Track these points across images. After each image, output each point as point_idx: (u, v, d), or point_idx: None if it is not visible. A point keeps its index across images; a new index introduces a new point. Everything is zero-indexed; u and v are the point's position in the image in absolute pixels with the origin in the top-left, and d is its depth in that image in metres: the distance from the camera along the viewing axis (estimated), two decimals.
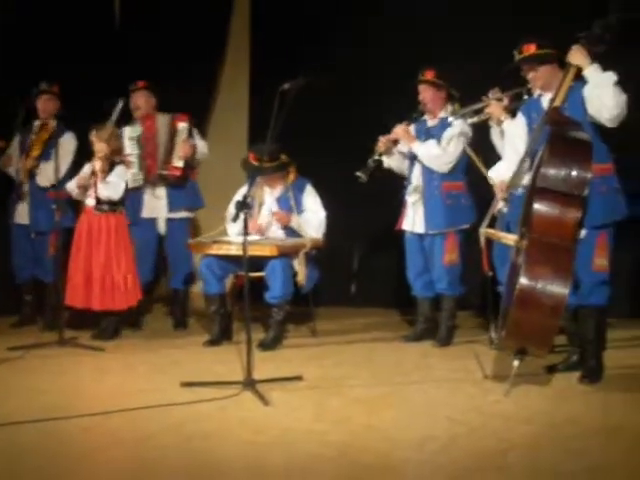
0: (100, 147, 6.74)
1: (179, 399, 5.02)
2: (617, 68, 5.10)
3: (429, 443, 4.27)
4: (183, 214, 7.47)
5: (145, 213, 7.35)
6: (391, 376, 5.68)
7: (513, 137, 5.73)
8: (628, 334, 6.57)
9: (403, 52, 7.54)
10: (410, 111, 6.67)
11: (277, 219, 6.88)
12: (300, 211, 6.88)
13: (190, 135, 7.32)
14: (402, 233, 6.78)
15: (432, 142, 6.55)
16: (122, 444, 4.40)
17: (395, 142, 6.76)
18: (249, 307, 5.30)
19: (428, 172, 6.58)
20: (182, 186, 7.37)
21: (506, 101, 6.11)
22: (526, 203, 5.14)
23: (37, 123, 7.50)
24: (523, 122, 5.65)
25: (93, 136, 6.80)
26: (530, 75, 5.53)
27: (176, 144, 7.28)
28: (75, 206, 7.16)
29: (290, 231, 6.89)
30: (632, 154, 6.16)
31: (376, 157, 6.69)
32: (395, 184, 6.89)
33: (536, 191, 4.84)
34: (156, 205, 7.37)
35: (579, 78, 5.18)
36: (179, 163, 7.24)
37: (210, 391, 5.15)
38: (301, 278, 6.61)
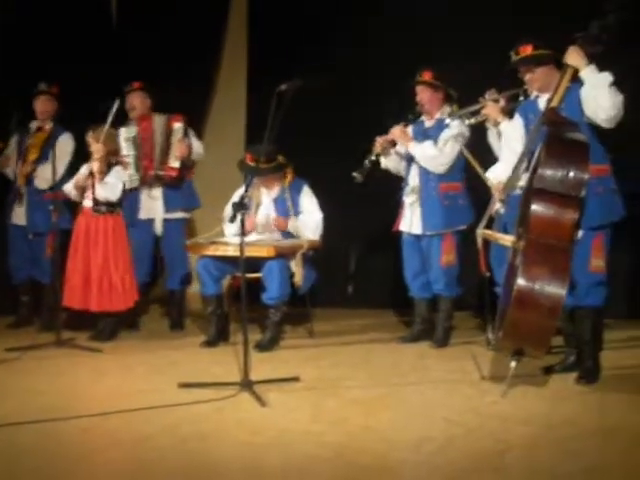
0: (97, 148, 6.74)
1: (176, 400, 5.02)
2: (614, 69, 5.10)
3: (426, 444, 4.27)
4: (179, 214, 7.47)
5: (142, 214, 7.35)
6: (388, 377, 5.68)
7: (510, 138, 5.73)
8: (625, 335, 6.57)
9: (403, 52, 7.53)
10: (407, 112, 6.67)
11: (275, 226, 6.88)
12: (297, 212, 6.88)
13: (185, 135, 7.32)
14: (399, 234, 6.78)
15: (428, 143, 6.55)
16: (120, 445, 4.40)
17: (392, 143, 6.77)
18: (246, 308, 5.30)
19: (425, 173, 6.58)
20: (178, 186, 7.37)
21: (503, 102, 6.10)
22: (523, 204, 5.14)
23: (34, 125, 7.49)
24: (520, 123, 5.66)
25: (89, 137, 6.80)
26: (527, 76, 5.54)
27: (172, 144, 7.27)
28: (72, 207, 7.16)
29: (287, 233, 6.89)
30: (629, 155, 6.16)
31: (373, 158, 6.70)
32: (392, 185, 6.89)
33: (533, 192, 4.84)
34: (152, 206, 7.37)
35: (576, 79, 5.18)
36: (175, 163, 7.24)
37: (207, 392, 5.15)
38: (298, 279, 6.61)
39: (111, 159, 6.87)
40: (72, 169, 7.20)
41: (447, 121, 6.48)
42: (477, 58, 7.01)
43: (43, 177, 7.29)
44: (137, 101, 7.37)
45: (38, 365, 6.07)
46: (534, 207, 4.81)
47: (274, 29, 8.53)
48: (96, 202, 6.76)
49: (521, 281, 4.72)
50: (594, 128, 5.18)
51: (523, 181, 5.46)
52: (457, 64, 6.88)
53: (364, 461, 4.08)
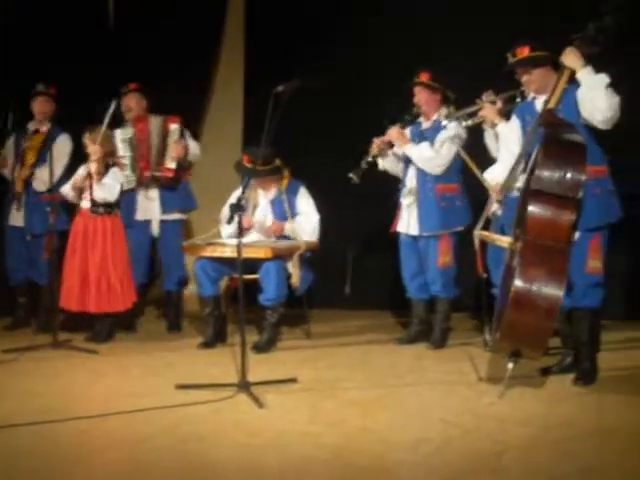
0: (93, 149, 6.74)
1: (174, 401, 5.02)
2: (611, 70, 5.10)
3: (423, 445, 4.27)
4: (176, 216, 7.46)
5: (139, 215, 7.34)
6: (385, 378, 5.68)
7: (507, 140, 5.73)
8: (622, 336, 6.57)
9: (403, 52, 7.51)
10: (405, 113, 6.67)
11: (272, 232, 6.88)
12: (294, 214, 6.87)
13: (182, 136, 7.31)
14: (397, 235, 6.78)
15: (425, 144, 6.55)
16: (118, 446, 4.41)
17: (390, 144, 6.77)
18: (243, 309, 5.30)
19: (422, 174, 6.58)
20: (175, 188, 7.36)
21: (500, 104, 6.10)
22: (520, 205, 5.14)
23: (31, 127, 7.48)
24: (517, 125, 5.66)
25: (86, 139, 6.80)
26: (524, 78, 5.54)
27: (168, 145, 7.27)
28: (69, 209, 7.15)
29: (284, 235, 6.89)
30: (627, 156, 6.16)
31: (369, 159, 6.70)
32: (389, 186, 6.89)
33: (530, 193, 4.84)
34: (149, 207, 7.37)
35: (573, 80, 5.19)
36: (172, 164, 7.24)
37: (205, 393, 5.16)
38: (295, 280, 6.61)
39: (108, 160, 6.87)
40: (70, 170, 7.20)
41: (444, 123, 6.47)
42: (477, 58, 7.00)
43: (41, 179, 7.28)
44: (133, 102, 7.36)
45: (35, 366, 6.06)
46: (531, 208, 4.81)
47: (271, 29, 8.50)
48: (94, 203, 6.76)
49: (518, 282, 4.72)
50: (591, 129, 5.19)
51: (520, 182, 5.46)
52: (457, 64, 6.89)
53: (362, 462, 4.09)
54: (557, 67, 5.30)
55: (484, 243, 5.70)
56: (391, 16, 7.85)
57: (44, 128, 7.43)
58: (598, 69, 5.11)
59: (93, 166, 6.73)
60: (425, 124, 6.70)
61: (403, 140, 6.65)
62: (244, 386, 5.15)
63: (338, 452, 4.20)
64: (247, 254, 5.93)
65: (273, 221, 6.90)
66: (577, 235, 5.03)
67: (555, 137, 4.91)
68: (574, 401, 5.00)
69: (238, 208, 5.32)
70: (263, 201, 6.98)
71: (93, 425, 4.69)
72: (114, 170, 6.86)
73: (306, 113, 7.43)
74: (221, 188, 7.37)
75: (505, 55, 5.61)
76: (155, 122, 7.35)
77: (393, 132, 6.67)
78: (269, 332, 6.63)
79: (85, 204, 6.81)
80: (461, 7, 7.51)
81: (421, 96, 6.59)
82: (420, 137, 6.63)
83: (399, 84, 6.66)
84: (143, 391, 5.37)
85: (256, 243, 6.64)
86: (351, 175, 6.61)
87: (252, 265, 6.42)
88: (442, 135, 6.50)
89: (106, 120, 6.69)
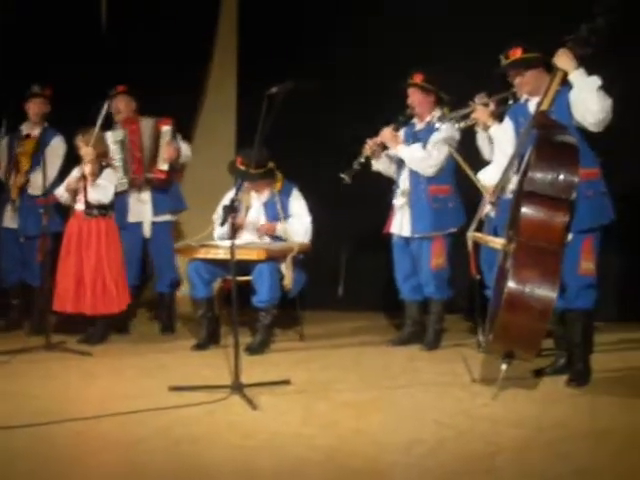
0: (86, 151, 6.73)
1: (167, 403, 5.01)
2: (603, 72, 5.11)
3: (417, 447, 4.27)
4: (167, 217, 7.47)
5: (131, 217, 7.33)
6: (379, 380, 5.68)
7: (501, 141, 5.74)
8: (615, 337, 6.58)
9: (403, 52, 7.51)
10: (397, 114, 6.67)
11: (264, 232, 6.87)
12: (287, 216, 6.88)
13: (174, 138, 7.32)
14: (390, 236, 6.79)
15: (417, 145, 6.56)
16: (113, 448, 4.41)
17: (383, 145, 6.77)
18: (237, 311, 5.30)
19: (415, 176, 6.58)
20: (166, 189, 7.37)
21: (492, 106, 6.10)
22: (513, 207, 5.15)
23: (23, 131, 7.46)
24: (510, 126, 5.66)
25: (79, 141, 6.80)
26: (517, 80, 5.55)
27: (160, 147, 7.27)
28: (63, 211, 7.14)
29: (276, 236, 6.89)
30: (619, 158, 6.18)
31: (362, 160, 6.69)
32: (382, 187, 6.89)
33: (523, 195, 4.85)
34: (141, 209, 7.37)
35: (566, 82, 5.19)
36: (164, 166, 7.24)
37: (198, 395, 5.15)
38: (288, 282, 6.61)
39: (102, 161, 6.86)
40: (63, 173, 7.19)
41: (437, 125, 6.47)
42: (477, 58, 6.96)
43: (36, 184, 7.23)
44: (122, 104, 7.35)
45: (29, 368, 6.05)
46: (524, 210, 4.82)
47: (264, 31, 8.50)
48: (88, 205, 6.76)
49: (512, 284, 4.73)
50: (583, 132, 5.19)
51: (513, 184, 5.47)
52: (457, 64, 6.90)
53: (355, 464, 4.09)
54: (550, 69, 5.30)
55: (477, 245, 5.71)
56: (391, 16, 7.84)
57: (36, 132, 7.40)
58: (590, 71, 5.11)
59: (87, 168, 6.73)
60: (419, 125, 6.70)
61: (395, 141, 6.65)
62: (237, 388, 5.14)
63: (331, 454, 4.20)
64: (240, 256, 5.93)
65: (265, 221, 6.90)
66: (570, 237, 5.03)
67: (548, 139, 4.92)
68: (567, 402, 5.01)
69: (231, 210, 5.33)
70: (256, 203, 6.98)
71: (88, 427, 4.68)
72: (108, 171, 6.86)
73: (299, 114, 7.41)
74: (214, 189, 7.37)
75: (499, 57, 5.62)
76: (147, 124, 7.35)
77: (386, 133, 6.67)
78: (262, 334, 6.63)
79: (79, 206, 6.80)
80: (461, 7, 7.51)
81: (415, 97, 6.59)
82: (414, 138, 6.64)
83: (399, 84, 6.65)
84: (137, 393, 5.36)
85: (249, 245, 6.64)
86: (343, 175, 6.61)
87: (245, 267, 6.42)
88: (435, 137, 6.50)
89: (99, 122, 6.69)
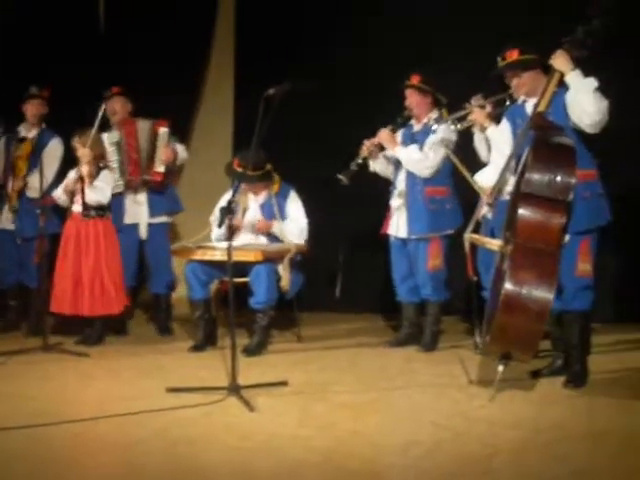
0: (83, 153, 6.73)
1: (165, 405, 5.01)
2: (599, 74, 5.11)
3: (414, 448, 4.27)
4: (163, 219, 7.47)
5: (127, 219, 7.32)
6: (376, 381, 5.68)
7: (499, 143, 5.74)
8: (612, 339, 6.58)
9: (403, 52, 7.50)
10: (396, 115, 6.67)
11: (259, 228, 6.87)
12: (284, 218, 6.88)
13: (170, 140, 7.32)
14: (387, 237, 6.79)
15: (414, 147, 6.56)
16: (110, 450, 4.41)
17: (380, 146, 6.77)
18: (234, 313, 5.30)
19: (412, 177, 6.58)
20: (162, 191, 7.36)
21: (489, 108, 6.11)
22: (510, 208, 5.15)
23: (20, 132, 7.44)
24: (507, 128, 5.66)
25: (76, 142, 6.80)
26: (514, 82, 5.55)
27: (157, 149, 7.27)
28: (61, 212, 7.13)
29: (273, 237, 6.88)
30: (615, 159, 6.18)
31: (359, 161, 6.70)
32: (380, 188, 6.89)
33: (520, 196, 4.85)
34: (137, 211, 7.36)
35: (563, 84, 5.20)
36: (161, 168, 7.23)
37: (195, 397, 5.15)
38: (285, 283, 6.60)
39: (99, 163, 6.86)
40: (61, 174, 7.18)
41: (434, 127, 6.47)
42: (477, 58, 6.94)
43: (34, 187, 7.22)
44: (118, 106, 7.34)
45: (26, 370, 6.05)
46: (521, 211, 4.82)
47: (261, 32, 8.49)
48: (85, 206, 6.75)
49: (509, 285, 4.73)
50: (580, 133, 5.20)
51: (510, 185, 5.47)
52: (457, 64, 6.90)
53: (352, 466, 4.09)
54: (547, 70, 5.31)
55: (474, 246, 5.71)
56: (391, 16, 7.83)
57: (32, 134, 7.41)
58: (587, 72, 5.12)
59: (85, 169, 6.72)
60: (416, 127, 6.70)
61: (392, 142, 6.65)
62: (235, 389, 5.14)
63: (329, 455, 4.20)
64: (237, 257, 5.92)
65: (261, 219, 6.89)
66: (567, 238, 5.03)
67: (545, 140, 4.92)
68: (565, 404, 5.01)
69: (228, 211, 5.33)
70: (253, 204, 6.97)
71: (85, 428, 4.68)
72: (105, 173, 6.86)
73: (297, 115, 7.41)
74: (211, 191, 7.36)
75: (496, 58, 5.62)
76: (144, 126, 7.34)
77: (383, 134, 6.67)
78: (259, 335, 6.63)
79: (77, 208, 6.80)
80: (461, 7, 7.50)
81: (412, 99, 6.59)
82: (411, 140, 6.64)
83: (399, 85, 6.65)
84: (134, 394, 5.36)
85: (246, 246, 6.63)
86: (340, 176, 6.61)
87: (242, 268, 6.42)
88: (431, 138, 6.50)
89: (96, 123, 6.68)
